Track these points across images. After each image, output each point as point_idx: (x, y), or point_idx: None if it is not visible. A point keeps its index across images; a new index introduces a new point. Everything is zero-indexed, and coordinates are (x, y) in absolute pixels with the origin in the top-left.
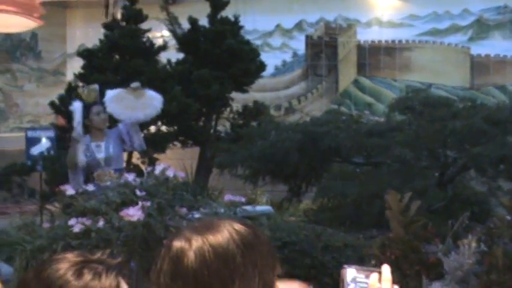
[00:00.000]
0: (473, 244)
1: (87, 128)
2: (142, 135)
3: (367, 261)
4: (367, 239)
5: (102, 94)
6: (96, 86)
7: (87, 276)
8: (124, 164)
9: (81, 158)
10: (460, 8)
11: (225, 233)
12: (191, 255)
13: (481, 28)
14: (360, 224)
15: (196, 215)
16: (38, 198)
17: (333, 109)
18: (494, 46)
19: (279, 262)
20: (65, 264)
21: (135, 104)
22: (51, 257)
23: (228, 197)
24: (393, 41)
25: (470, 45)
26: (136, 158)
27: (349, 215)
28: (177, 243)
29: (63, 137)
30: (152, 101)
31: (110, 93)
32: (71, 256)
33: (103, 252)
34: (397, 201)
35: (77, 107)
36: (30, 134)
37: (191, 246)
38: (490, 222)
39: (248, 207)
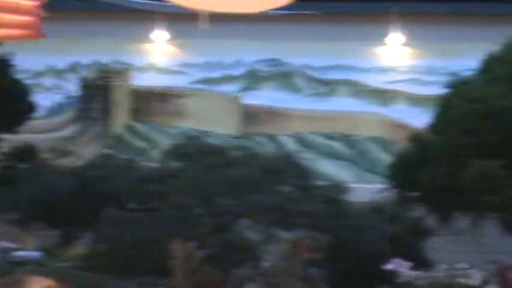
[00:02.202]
0: None
1: None
2: None
3: None
4: (144, 286)
5: None
6: None
7: None
8: None
9: None
10: (233, 58)
11: None
12: None
13: (253, 79)
14: (136, 270)
15: None
16: None
17: (107, 154)
18: (265, 97)
19: None
20: None
21: None
22: None
23: (1, 244)
24: (167, 88)
25: (242, 95)
26: None
27: (124, 261)
28: None
29: None
30: None
31: None
32: None
33: None
34: (181, 249)
35: None
36: None
37: None
38: (269, 271)
39: (19, 253)
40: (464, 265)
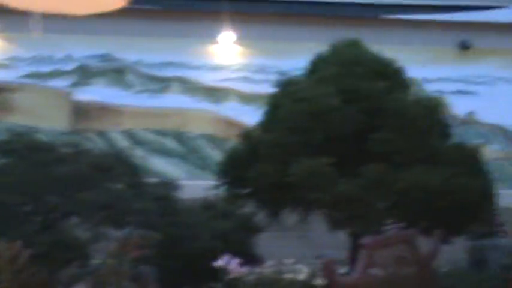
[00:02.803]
0: None
1: None
2: None
3: None
4: None
5: None
6: None
7: None
8: None
9: None
10: (64, 53)
11: None
12: None
13: (84, 74)
14: None
15: None
16: None
17: None
18: (96, 92)
19: None
20: None
21: None
22: None
23: None
24: None
25: (73, 91)
26: None
27: None
28: None
29: None
30: None
31: None
32: None
33: None
34: (7, 249)
35: None
36: None
37: None
38: (98, 270)
39: None
40: (292, 260)
